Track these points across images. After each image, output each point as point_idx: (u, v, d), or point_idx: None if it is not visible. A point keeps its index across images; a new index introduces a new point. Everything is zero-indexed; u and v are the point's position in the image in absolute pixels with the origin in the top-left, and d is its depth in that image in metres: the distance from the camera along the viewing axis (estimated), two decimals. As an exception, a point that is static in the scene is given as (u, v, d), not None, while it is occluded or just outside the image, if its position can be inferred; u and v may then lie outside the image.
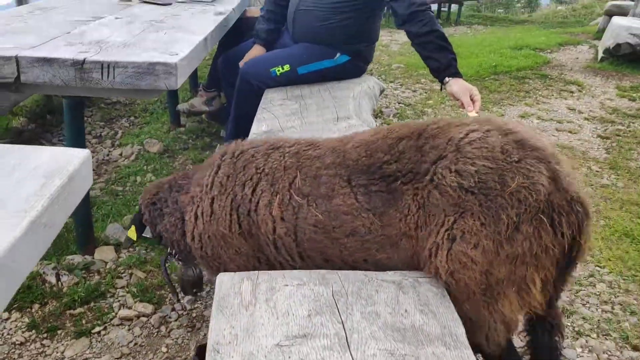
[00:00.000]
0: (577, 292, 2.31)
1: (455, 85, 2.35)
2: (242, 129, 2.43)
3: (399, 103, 4.69)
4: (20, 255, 0.80)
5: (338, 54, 2.80)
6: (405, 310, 1.24)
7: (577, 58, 6.20)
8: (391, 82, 5.31)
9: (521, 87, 5.05)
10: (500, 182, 1.27)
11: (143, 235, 1.86)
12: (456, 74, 2.39)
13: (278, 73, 2.75)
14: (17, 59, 1.76)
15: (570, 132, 4.05)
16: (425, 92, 4.97)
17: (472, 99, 2.29)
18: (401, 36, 7.60)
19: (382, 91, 3.09)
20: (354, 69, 2.88)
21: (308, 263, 1.49)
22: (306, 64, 2.77)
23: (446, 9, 9.22)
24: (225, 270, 1.54)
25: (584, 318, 2.16)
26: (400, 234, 1.38)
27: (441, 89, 2.50)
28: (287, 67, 2.75)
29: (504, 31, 8.04)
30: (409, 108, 4.55)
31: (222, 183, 1.55)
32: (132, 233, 1.89)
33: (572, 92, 5.00)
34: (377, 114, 4.36)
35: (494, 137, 1.33)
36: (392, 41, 7.22)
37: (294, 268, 1.49)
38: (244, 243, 1.54)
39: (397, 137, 1.43)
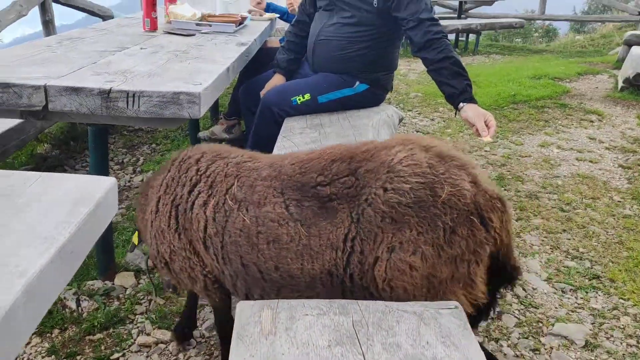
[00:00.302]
0: (600, 325, 2.26)
1: (469, 110, 2.36)
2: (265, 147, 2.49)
3: (417, 131, 4.70)
4: (47, 282, 0.82)
5: (357, 83, 2.83)
6: (427, 342, 1.23)
7: (597, 87, 6.18)
8: (409, 110, 5.34)
9: (540, 117, 5.04)
10: (432, 194, 1.43)
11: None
12: (471, 100, 2.40)
13: (299, 102, 2.78)
14: (45, 88, 1.81)
15: (591, 161, 4.01)
16: (444, 121, 4.97)
17: (486, 124, 2.29)
18: (419, 65, 7.64)
19: (400, 120, 3.10)
20: (373, 97, 2.91)
21: (228, 266, 1.61)
22: (326, 92, 2.81)
23: (464, 39, 9.27)
24: (169, 271, 1.73)
25: (608, 352, 2.11)
26: (326, 245, 1.49)
27: (455, 115, 2.51)
28: (307, 96, 2.79)
29: (522, 60, 8.05)
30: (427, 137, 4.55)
31: (167, 184, 1.71)
32: (135, 237, 1.98)
33: (592, 121, 4.97)
34: (396, 143, 4.37)
35: (419, 154, 1.49)
36: (410, 70, 7.26)
37: (219, 270, 1.63)
38: (178, 240, 1.66)
39: (330, 160, 1.56)
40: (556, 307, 2.37)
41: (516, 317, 2.30)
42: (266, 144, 2.57)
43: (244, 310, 1.31)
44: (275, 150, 2.26)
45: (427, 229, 1.42)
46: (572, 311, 2.35)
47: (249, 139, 3.03)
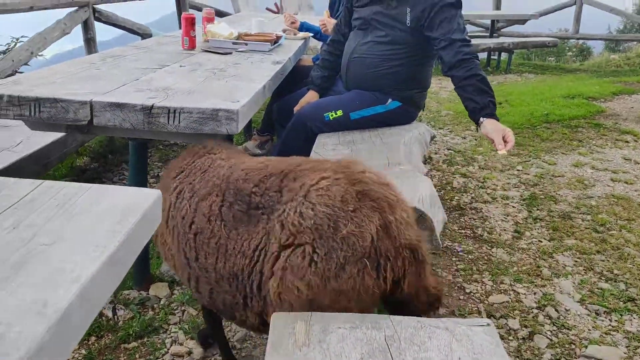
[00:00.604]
0: (635, 349, 2.22)
1: (489, 125, 2.40)
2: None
3: (448, 149, 4.70)
4: (99, 287, 0.86)
5: (389, 100, 2.87)
6: (459, 358, 1.24)
7: (632, 107, 6.08)
8: (440, 128, 5.34)
9: (574, 136, 4.98)
10: (334, 227, 1.44)
11: None
12: (492, 116, 2.43)
13: (331, 117, 2.84)
14: (91, 104, 1.90)
15: (626, 182, 3.95)
16: (475, 139, 4.96)
17: (505, 140, 2.31)
18: (450, 83, 7.63)
19: (432, 138, 3.12)
20: (405, 114, 2.94)
21: (180, 257, 1.73)
22: (358, 109, 2.86)
23: (496, 57, 9.24)
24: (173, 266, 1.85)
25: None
26: (239, 250, 1.57)
27: (477, 130, 2.53)
28: (339, 112, 2.84)
29: (556, 79, 7.98)
30: (458, 155, 4.55)
31: (174, 185, 1.83)
32: None
33: (627, 141, 4.89)
34: (427, 160, 4.38)
35: (339, 186, 1.50)
36: (442, 88, 7.27)
37: (186, 264, 1.72)
38: (166, 226, 1.79)
39: (269, 173, 1.63)
40: (589, 329, 2.34)
41: (548, 338, 2.28)
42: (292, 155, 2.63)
43: (278, 322, 1.34)
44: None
45: (321, 258, 1.43)
46: (606, 333, 2.31)
47: (275, 148, 3.10)
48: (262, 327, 1.63)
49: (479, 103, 2.46)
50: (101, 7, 5.38)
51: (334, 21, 3.75)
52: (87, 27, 5.18)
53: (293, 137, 2.94)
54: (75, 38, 5.42)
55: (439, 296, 1.67)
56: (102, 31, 5.83)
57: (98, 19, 5.37)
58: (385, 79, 2.85)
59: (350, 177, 1.54)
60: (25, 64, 4.22)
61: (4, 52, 4.78)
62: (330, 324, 1.34)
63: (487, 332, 1.35)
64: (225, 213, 1.62)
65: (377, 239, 1.44)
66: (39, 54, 4.52)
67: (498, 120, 2.43)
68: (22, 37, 4.70)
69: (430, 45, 2.72)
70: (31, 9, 4.36)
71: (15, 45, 5.05)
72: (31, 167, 2.79)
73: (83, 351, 2.17)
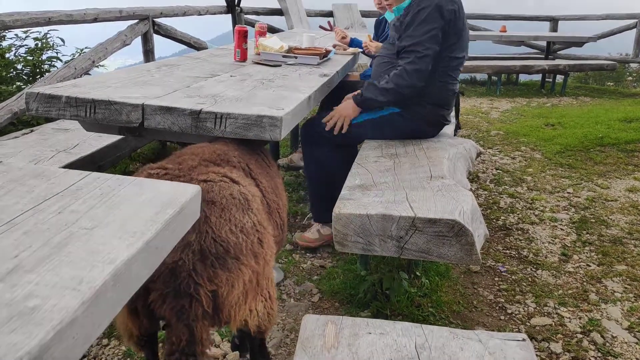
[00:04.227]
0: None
1: (343, 103, 2.94)
2: (314, 175, 3.02)
3: (496, 169, 4.61)
4: (133, 271, 0.90)
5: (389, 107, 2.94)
6: (490, 371, 1.22)
7: (696, 134, 5.81)
8: (489, 148, 5.25)
9: (630, 161, 4.80)
10: None
11: None
12: (356, 100, 2.85)
13: None
14: (143, 107, 1.97)
15: (685, 210, 3.77)
16: (525, 160, 4.86)
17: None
18: (502, 104, 7.53)
19: (479, 154, 3.08)
20: (408, 123, 2.94)
21: None
22: (359, 114, 2.93)
23: (550, 80, 9.02)
24: None
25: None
26: None
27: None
28: None
29: (613, 103, 7.73)
30: (506, 175, 4.46)
31: None
32: None
33: (688, 168, 4.68)
34: (473, 179, 4.31)
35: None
36: (493, 109, 7.16)
37: None
38: None
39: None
40: (637, 358, 2.23)
41: (592, 365, 2.19)
42: (310, 167, 3.03)
43: (308, 323, 1.35)
44: (349, 176, 2.32)
45: None
46: (656, 364, 2.21)
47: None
48: None
49: (364, 87, 2.85)
50: (160, 20, 5.60)
51: (376, 44, 3.79)
52: (146, 39, 5.39)
53: (306, 146, 3.07)
54: (136, 53, 5.65)
55: None
56: (163, 46, 6.06)
57: (157, 32, 5.59)
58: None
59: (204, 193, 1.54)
60: (87, 73, 4.42)
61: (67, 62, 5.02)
62: (361, 329, 1.34)
63: (522, 347, 1.32)
64: None
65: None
66: (100, 64, 4.73)
67: (357, 106, 2.85)
68: (85, 48, 4.93)
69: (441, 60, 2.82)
70: (95, 20, 4.58)
71: (79, 56, 5.30)
72: (85, 168, 2.91)
73: (123, 348, 2.23)
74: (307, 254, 3.05)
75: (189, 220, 1.15)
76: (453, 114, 3.20)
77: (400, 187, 2.15)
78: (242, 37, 3.26)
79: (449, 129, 3.23)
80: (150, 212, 1.04)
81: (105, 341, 2.27)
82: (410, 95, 2.75)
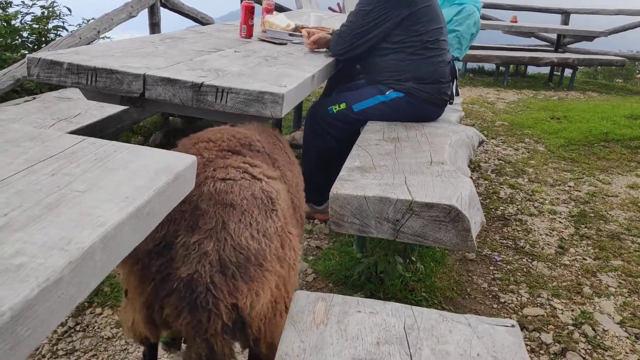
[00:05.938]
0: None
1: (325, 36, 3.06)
2: (311, 159, 3.02)
3: (498, 159, 4.60)
4: (123, 236, 0.90)
5: (389, 91, 2.93)
6: (478, 354, 1.22)
7: (701, 134, 5.77)
8: (493, 138, 5.23)
9: (633, 157, 4.78)
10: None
11: None
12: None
13: (335, 110, 2.96)
14: (144, 77, 1.96)
15: (685, 209, 3.76)
16: (528, 152, 4.84)
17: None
18: (509, 95, 7.48)
19: (481, 142, 3.06)
20: (411, 107, 2.94)
21: None
22: (360, 101, 2.95)
23: (559, 73, 8.94)
24: None
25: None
26: None
27: None
28: (343, 105, 2.96)
29: (620, 100, 7.67)
30: (508, 165, 4.44)
31: None
32: None
33: (691, 168, 4.65)
34: (475, 168, 4.30)
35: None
36: (499, 99, 7.11)
37: None
38: None
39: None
40: (627, 352, 2.24)
41: (581, 356, 2.20)
42: (308, 150, 3.05)
43: (299, 299, 1.36)
44: (349, 158, 2.31)
45: None
46: (645, 359, 2.21)
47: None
48: None
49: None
50: (168, -6, 5.55)
51: None
52: (153, 12, 5.35)
53: (308, 132, 3.08)
54: (143, 26, 5.61)
55: None
56: (170, 22, 6.02)
57: (164, 5, 5.54)
58: (382, 71, 2.94)
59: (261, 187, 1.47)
60: (91, 42, 4.39)
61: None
62: (351, 307, 1.34)
63: (511, 333, 1.31)
64: None
65: None
66: (105, 35, 4.70)
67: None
68: (91, 19, 4.89)
69: (411, 38, 2.84)
70: (102, -9, 4.53)
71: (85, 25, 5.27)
72: (86, 138, 2.91)
73: (116, 317, 2.24)
74: (304, 235, 3.05)
75: (184, 189, 1.15)
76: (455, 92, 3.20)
77: (400, 171, 2.14)
78: (249, 13, 3.23)
79: (452, 115, 3.21)
80: (144, 178, 1.04)
81: (98, 310, 2.28)
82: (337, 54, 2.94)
